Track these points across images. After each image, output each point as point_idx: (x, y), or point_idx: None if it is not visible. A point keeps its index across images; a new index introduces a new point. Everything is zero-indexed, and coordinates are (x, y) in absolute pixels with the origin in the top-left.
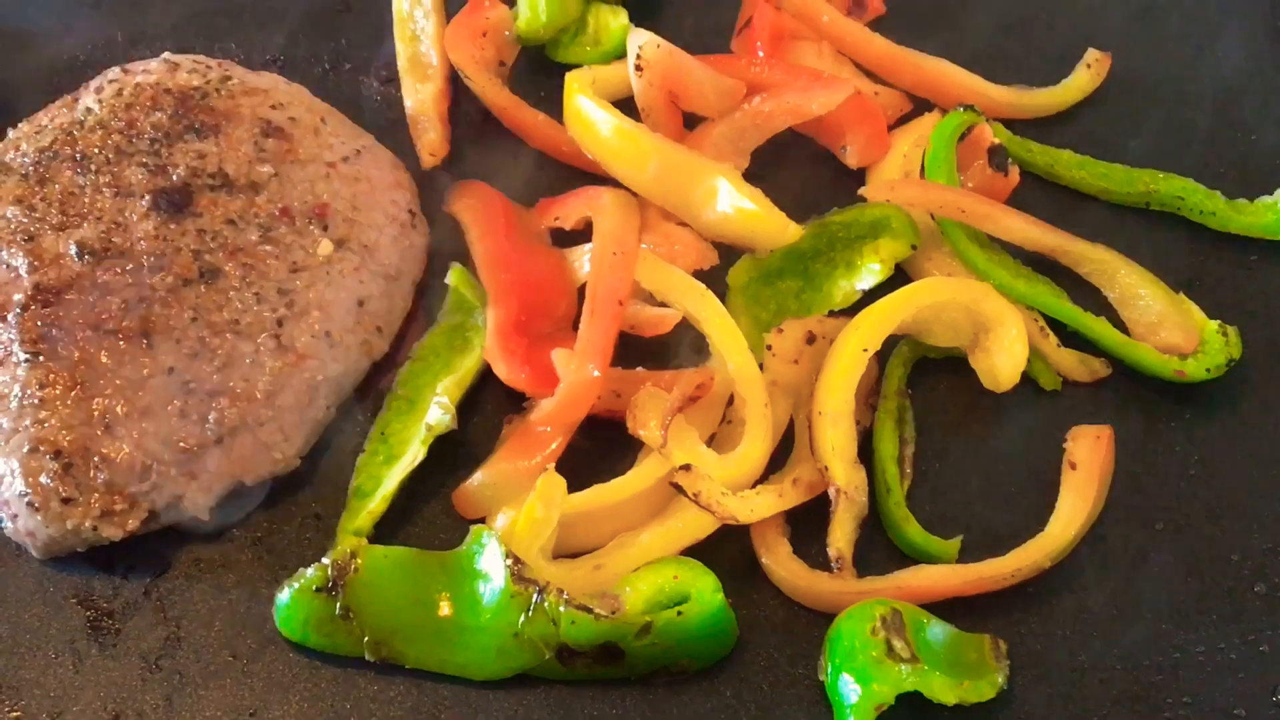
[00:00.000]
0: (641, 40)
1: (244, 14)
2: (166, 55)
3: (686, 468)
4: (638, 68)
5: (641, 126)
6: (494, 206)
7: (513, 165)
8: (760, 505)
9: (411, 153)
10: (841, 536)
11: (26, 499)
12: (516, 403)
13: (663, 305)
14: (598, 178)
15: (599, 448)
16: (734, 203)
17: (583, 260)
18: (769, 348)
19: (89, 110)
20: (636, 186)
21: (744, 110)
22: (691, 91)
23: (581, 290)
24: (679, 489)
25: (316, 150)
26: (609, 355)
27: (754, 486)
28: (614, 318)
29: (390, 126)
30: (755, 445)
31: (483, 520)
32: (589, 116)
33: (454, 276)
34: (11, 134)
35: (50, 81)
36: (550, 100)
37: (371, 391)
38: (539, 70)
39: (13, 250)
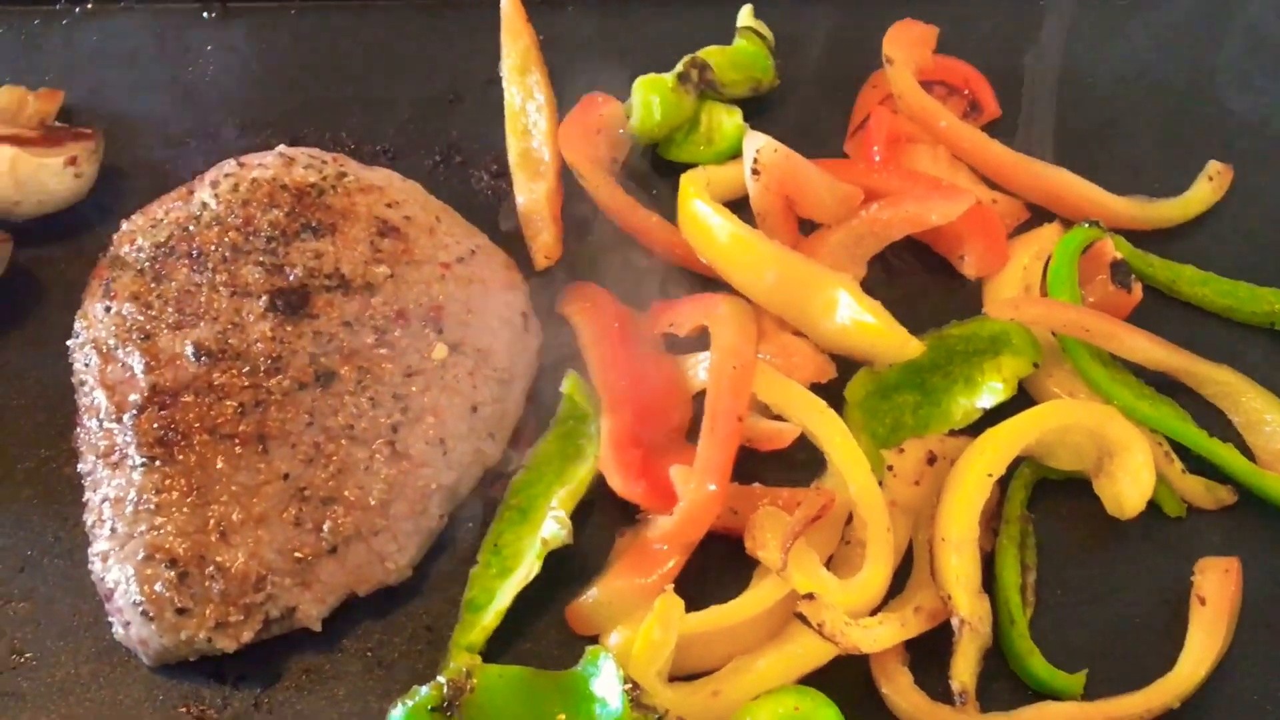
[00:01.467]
0: (759, 143)
1: (354, 104)
2: (281, 149)
3: (810, 597)
4: (755, 171)
5: (759, 234)
6: (607, 311)
7: (624, 267)
8: (883, 635)
9: (521, 250)
10: (965, 669)
11: (140, 607)
12: (628, 513)
13: (779, 418)
14: (711, 281)
15: (711, 563)
16: (854, 315)
17: (698, 369)
18: (889, 468)
19: (205, 205)
20: (753, 294)
21: (861, 218)
22: (808, 197)
23: (696, 399)
24: (803, 620)
25: (432, 250)
26: (728, 473)
27: (874, 612)
28: (733, 434)
29: (501, 223)
30: (877, 571)
31: (596, 637)
32: (705, 221)
33: (569, 384)
34: (125, 226)
35: (161, 169)
36: (661, 199)
37: (482, 498)
38: (649, 167)
39: (129, 349)
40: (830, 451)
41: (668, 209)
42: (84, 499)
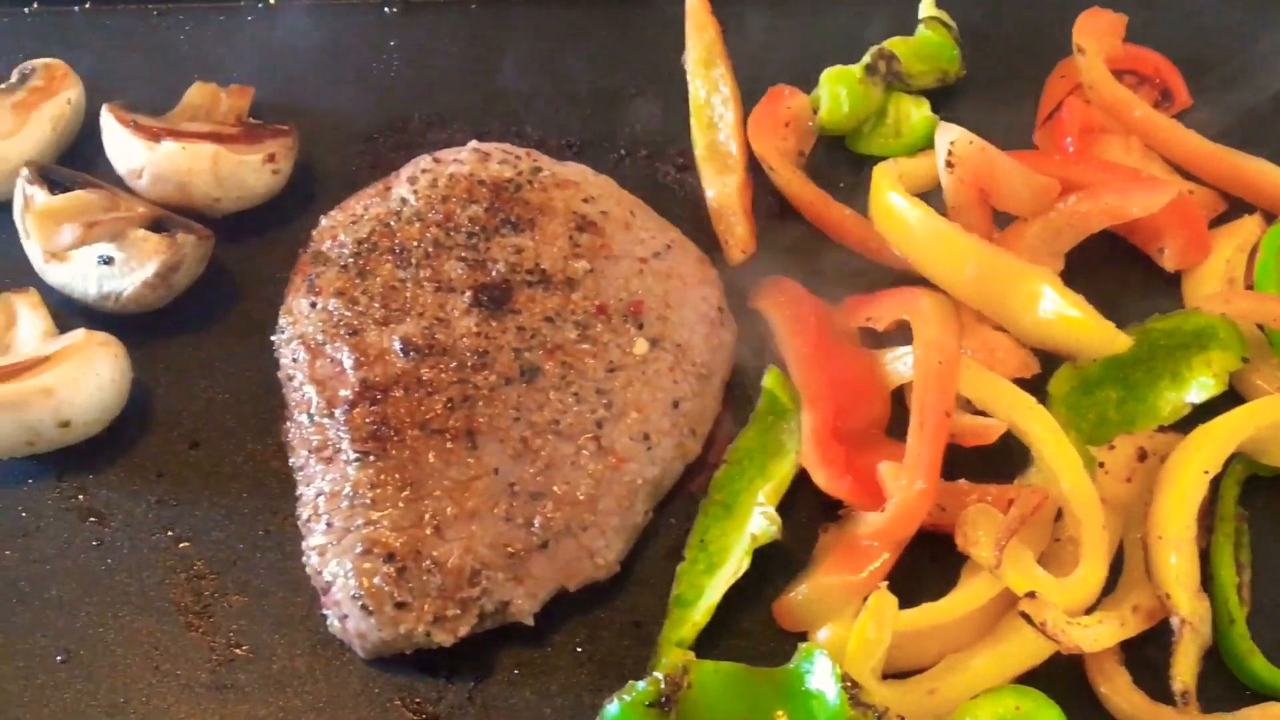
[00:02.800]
0: (953, 135)
1: (538, 97)
2: (475, 144)
3: (1032, 595)
4: (949, 163)
5: (958, 227)
6: (803, 305)
7: (814, 260)
8: (1102, 634)
9: (710, 244)
10: (1186, 669)
11: (360, 601)
12: (830, 508)
13: (981, 413)
14: (903, 275)
15: (916, 559)
16: (1058, 309)
17: (895, 363)
18: (1100, 464)
19: (404, 201)
20: (951, 288)
21: (1059, 210)
22: (1004, 189)
23: (893, 394)
24: (1026, 618)
25: (629, 245)
26: (938, 470)
27: (1087, 612)
28: (942, 429)
29: (690, 216)
30: (1093, 569)
31: (804, 633)
32: (901, 215)
33: (770, 379)
34: (325, 221)
35: (351, 164)
36: (849, 191)
37: (682, 494)
38: (834, 159)
39: (337, 344)
40: (1040, 448)
41: (854, 201)
42: (296, 493)
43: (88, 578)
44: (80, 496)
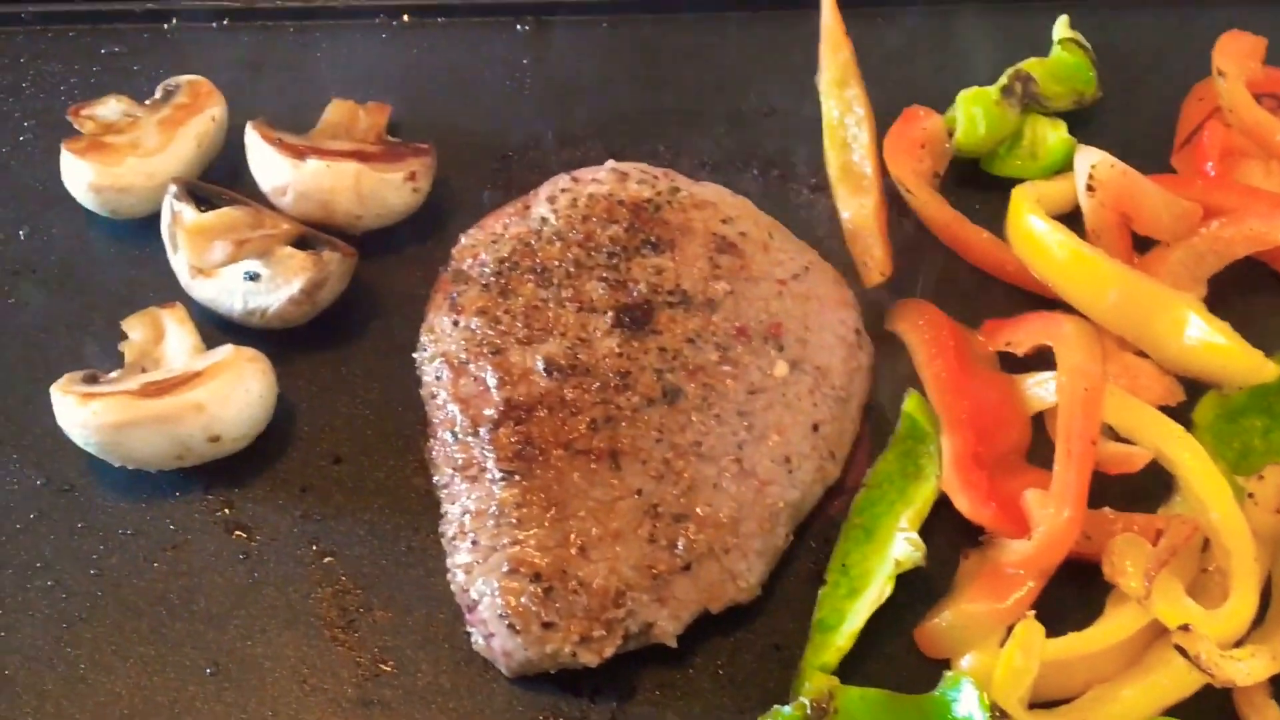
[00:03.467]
0: (1094, 159)
1: (670, 116)
2: (612, 164)
3: (1186, 628)
4: (1089, 187)
5: (1100, 252)
6: (942, 328)
7: (950, 282)
8: (1256, 668)
9: (846, 266)
10: None
11: (506, 620)
12: (970, 533)
13: (1127, 441)
14: (1042, 298)
15: (1059, 587)
16: (1204, 336)
17: (1036, 389)
18: (1249, 495)
19: (544, 220)
20: (1093, 313)
21: (1201, 235)
22: (1145, 214)
23: (1034, 420)
24: (1181, 651)
25: (767, 267)
26: (1085, 498)
27: (1237, 644)
28: (1088, 457)
29: (825, 237)
30: (1244, 601)
31: (946, 660)
32: (1042, 239)
33: (911, 403)
34: (464, 240)
35: (487, 182)
36: (984, 214)
37: (821, 517)
38: (969, 181)
39: (480, 363)
40: (1188, 477)
41: (991, 223)
42: (440, 511)
43: (235, 591)
44: (227, 510)
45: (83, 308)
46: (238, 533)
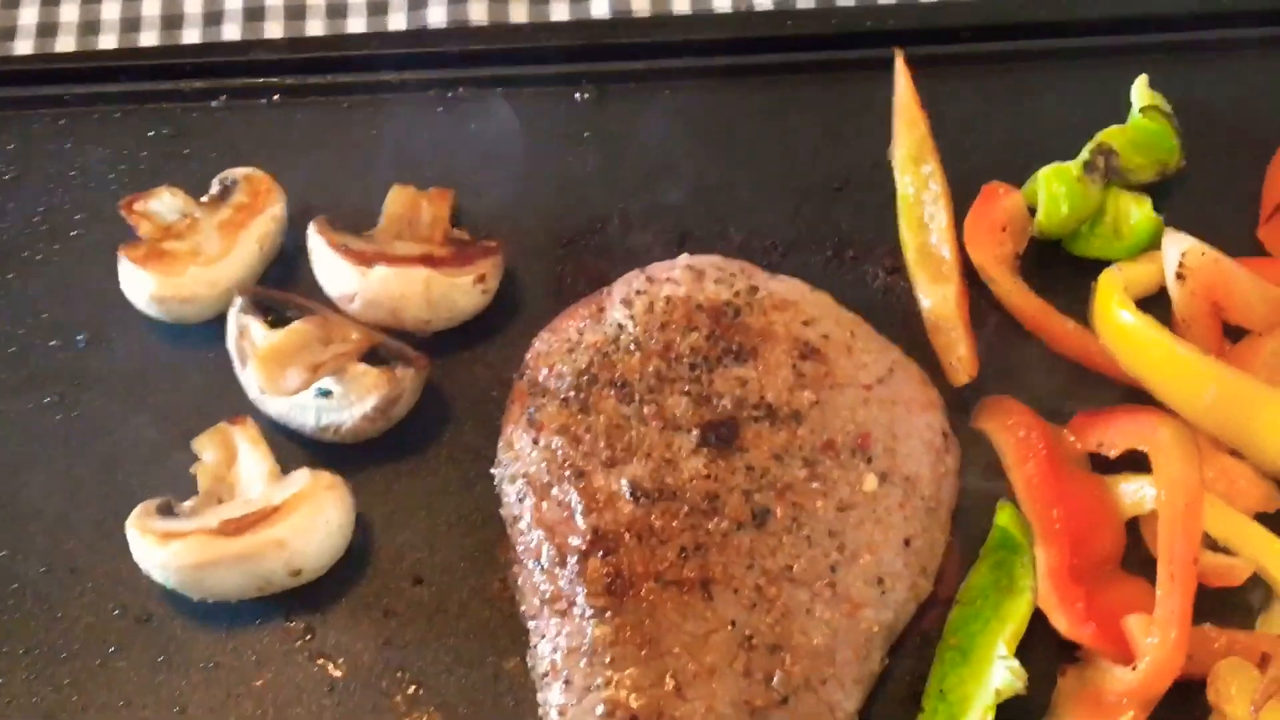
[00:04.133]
0: (1184, 246)
1: (738, 191)
2: (687, 260)
3: None
4: (1179, 275)
5: (1195, 349)
6: (1031, 429)
7: (1037, 372)
8: None
9: (927, 356)
10: None
11: None
12: (1065, 647)
13: (1224, 549)
14: (1131, 389)
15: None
16: None
17: (1130, 495)
18: None
19: (620, 327)
20: (1187, 412)
21: None
22: (1237, 302)
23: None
24: None
25: (852, 372)
26: (1189, 622)
27: None
28: (1191, 578)
29: (902, 324)
30: None
31: None
32: (1133, 333)
33: (1003, 516)
34: (538, 345)
35: (553, 269)
36: (1067, 296)
37: (912, 632)
38: (1048, 259)
39: (565, 487)
40: None
41: (1074, 307)
42: (530, 643)
43: None
44: (309, 637)
45: (150, 420)
46: (321, 661)
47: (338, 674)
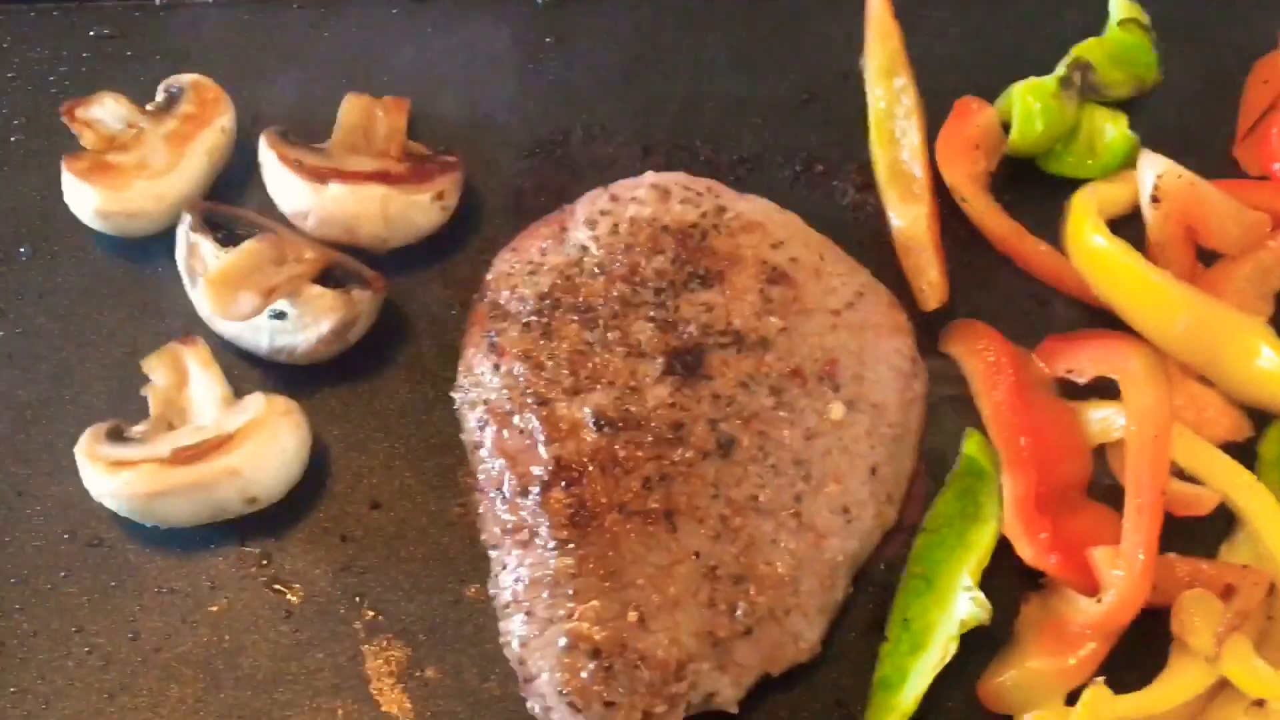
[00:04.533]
0: (1159, 169)
1: (705, 103)
2: (652, 178)
3: (1260, 703)
4: (1154, 198)
5: (1169, 276)
6: (1000, 354)
7: (1006, 295)
8: None
9: (897, 278)
10: None
11: (567, 699)
12: (1029, 575)
13: (1192, 479)
14: (1102, 313)
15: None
16: (1274, 366)
17: (1099, 422)
18: None
19: (584, 249)
20: (1158, 340)
21: (1269, 248)
22: (1212, 226)
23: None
24: None
25: (820, 296)
26: (1155, 555)
27: None
28: (1158, 509)
29: (873, 243)
30: None
31: (1009, 716)
32: (1106, 258)
33: (971, 445)
34: (499, 265)
35: (512, 182)
36: (1039, 216)
37: (875, 559)
38: (1020, 177)
39: (526, 416)
40: (1259, 527)
41: (1046, 227)
42: (491, 572)
43: (280, 653)
44: (265, 563)
45: (98, 339)
46: (278, 587)
47: (295, 600)
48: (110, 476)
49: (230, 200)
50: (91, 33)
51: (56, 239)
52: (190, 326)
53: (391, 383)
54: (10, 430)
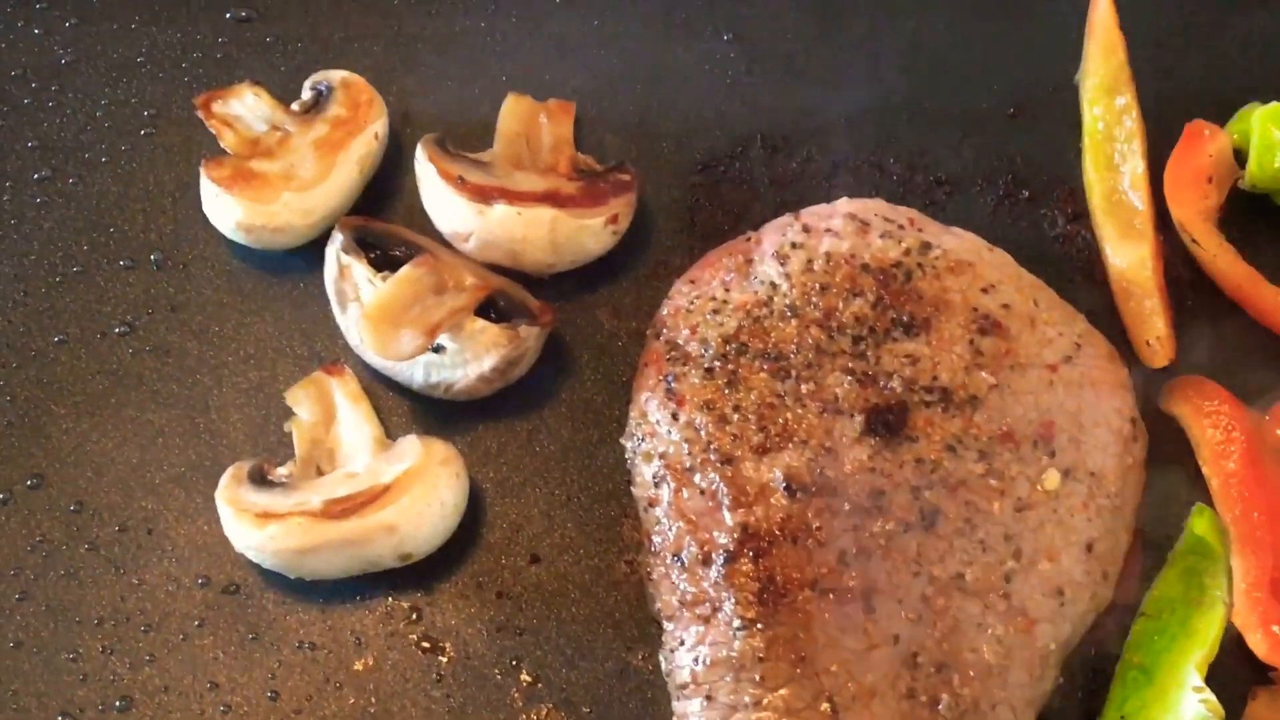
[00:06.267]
0: None
1: (898, 115)
2: (848, 207)
3: None
4: None
5: None
6: (1232, 417)
7: (1238, 350)
8: None
9: (1106, 322)
10: None
11: None
12: (1258, 668)
13: None
14: None
15: None
16: None
17: None
18: None
19: (774, 287)
20: None
21: None
22: None
23: None
24: None
25: (1036, 349)
26: None
27: None
28: None
29: (1086, 280)
30: None
31: None
32: None
33: (1200, 524)
34: (676, 299)
35: (687, 197)
36: (1272, 257)
37: (1088, 645)
38: (1251, 212)
39: (709, 475)
40: None
41: (1264, 261)
42: (667, 647)
43: None
44: (415, 617)
45: (235, 360)
46: (428, 646)
47: (447, 661)
48: (257, 530)
49: (375, 207)
50: (228, 15)
51: (190, 246)
52: (335, 352)
53: (552, 422)
54: (139, 459)
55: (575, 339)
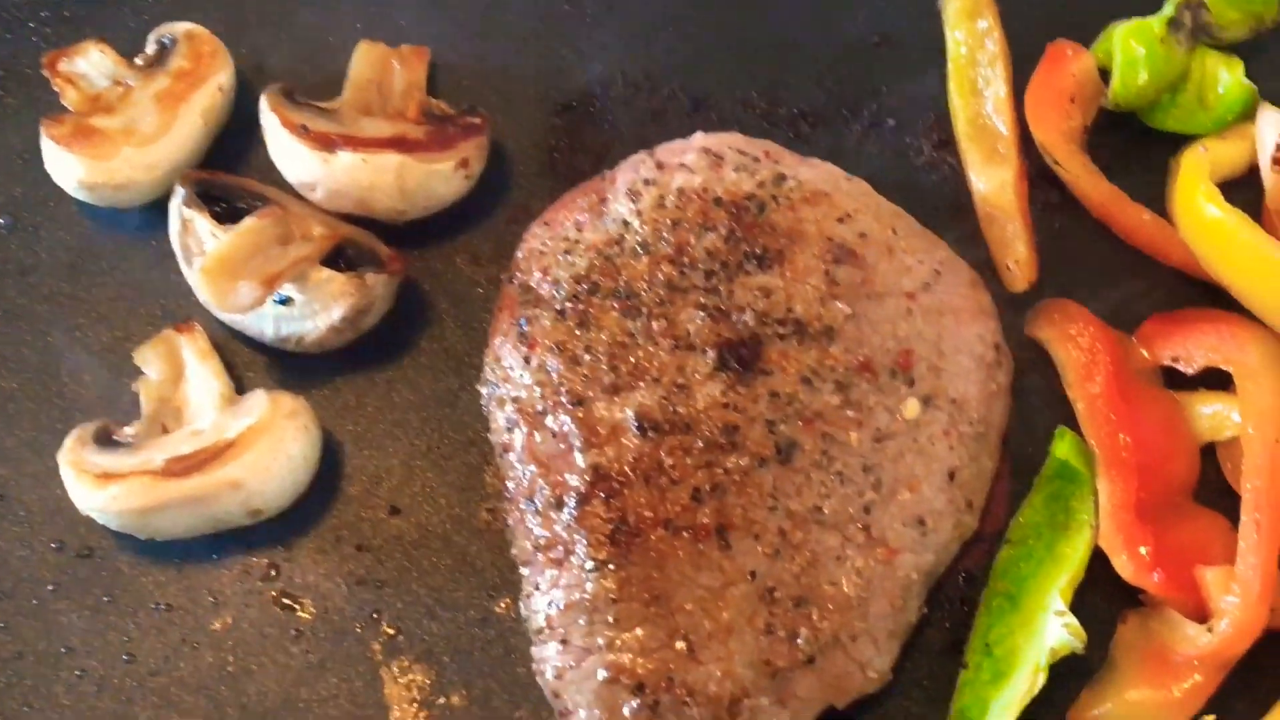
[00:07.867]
0: None
1: (761, 48)
2: (703, 142)
3: None
4: (1275, 160)
5: None
6: (1095, 339)
7: (1103, 269)
8: None
9: (978, 249)
10: None
11: None
12: (1127, 591)
13: None
14: (1211, 286)
15: None
16: None
17: (1207, 417)
18: None
19: (625, 224)
20: (1276, 322)
21: None
22: None
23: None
24: None
25: (894, 277)
26: (1275, 579)
27: None
28: (1278, 525)
29: (951, 207)
30: None
31: None
32: (1220, 230)
33: (1062, 446)
34: (530, 241)
35: (544, 140)
36: (1136, 176)
37: (951, 572)
38: (1118, 132)
39: (560, 417)
40: None
41: (1147, 190)
42: (523, 591)
43: (289, 677)
44: (273, 574)
45: (84, 321)
46: (287, 603)
47: (306, 617)
48: (98, 490)
49: (229, 165)
50: None
51: (39, 209)
52: (187, 309)
53: (411, 372)
54: None
55: (435, 287)
